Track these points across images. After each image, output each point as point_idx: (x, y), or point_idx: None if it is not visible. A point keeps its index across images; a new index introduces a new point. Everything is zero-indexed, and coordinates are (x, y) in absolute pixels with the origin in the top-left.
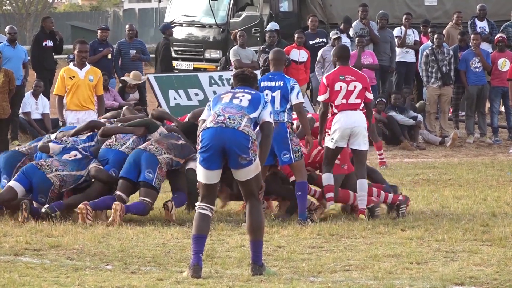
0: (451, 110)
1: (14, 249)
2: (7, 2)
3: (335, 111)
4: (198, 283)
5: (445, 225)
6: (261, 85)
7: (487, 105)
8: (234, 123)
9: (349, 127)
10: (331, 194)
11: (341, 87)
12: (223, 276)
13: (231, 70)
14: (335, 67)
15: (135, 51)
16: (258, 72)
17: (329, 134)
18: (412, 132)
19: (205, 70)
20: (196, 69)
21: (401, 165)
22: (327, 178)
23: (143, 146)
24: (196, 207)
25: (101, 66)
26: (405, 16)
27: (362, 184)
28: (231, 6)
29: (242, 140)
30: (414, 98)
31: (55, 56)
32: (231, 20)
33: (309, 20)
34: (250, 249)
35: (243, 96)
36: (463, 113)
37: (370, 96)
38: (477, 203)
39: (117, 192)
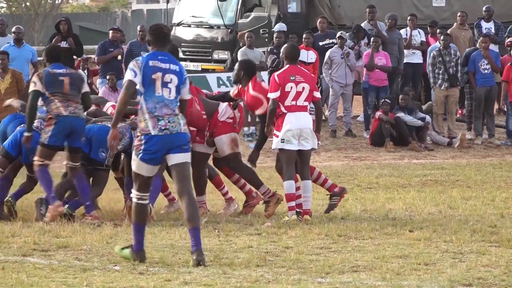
0: (460, 111)
1: (22, 250)
2: (16, 1)
3: (284, 111)
4: (206, 284)
5: (453, 226)
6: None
7: (496, 106)
8: (175, 126)
9: (299, 127)
10: (292, 204)
11: (291, 87)
12: (231, 276)
13: None
14: (283, 66)
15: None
16: (265, 73)
17: (277, 136)
18: (420, 133)
19: (213, 71)
20: (204, 70)
21: (409, 166)
22: (289, 187)
23: None
24: (133, 197)
25: (110, 66)
26: (409, 17)
27: (307, 185)
28: (239, 7)
29: (185, 138)
30: (422, 99)
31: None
32: (239, 21)
33: (318, 21)
34: (192, 237)
35: (170, 80)
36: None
37: (317, 95)
38: (485, 204)
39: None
